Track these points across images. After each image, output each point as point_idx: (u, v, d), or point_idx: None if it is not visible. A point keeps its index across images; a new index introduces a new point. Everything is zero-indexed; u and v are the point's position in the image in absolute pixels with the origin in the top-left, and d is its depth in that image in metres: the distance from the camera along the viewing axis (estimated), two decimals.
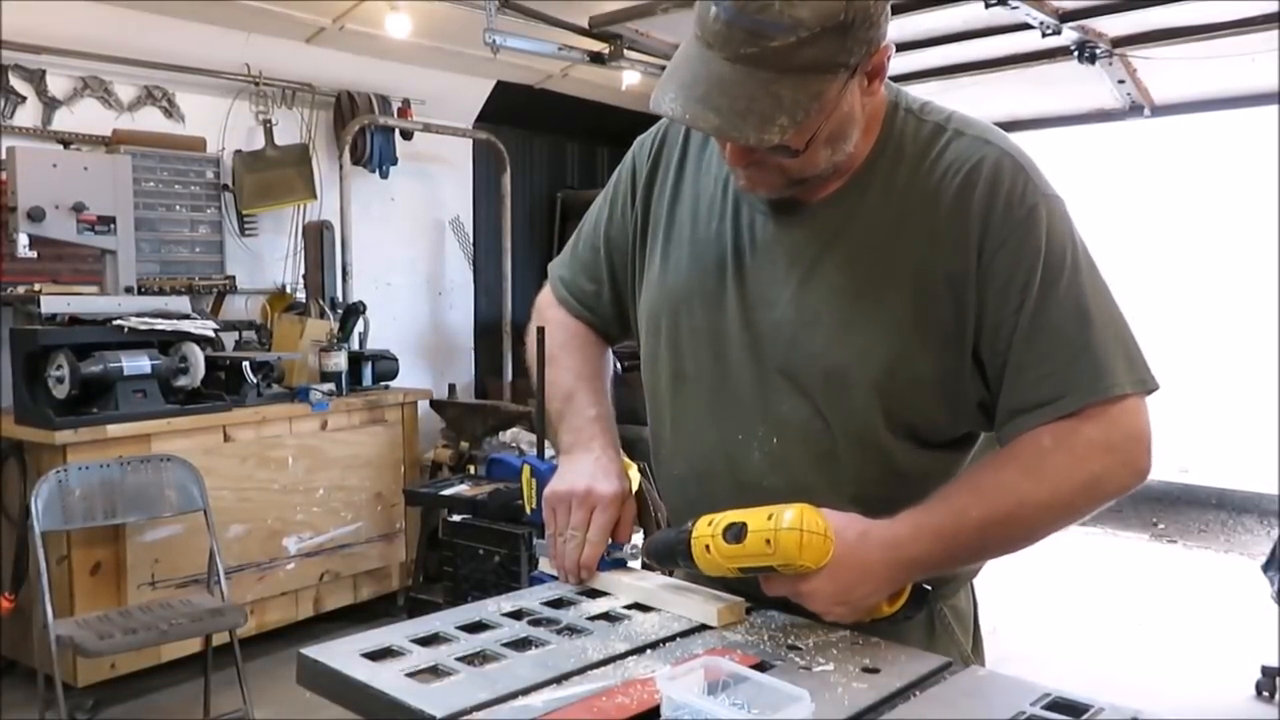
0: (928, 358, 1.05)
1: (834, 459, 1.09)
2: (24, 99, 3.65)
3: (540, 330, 1.26)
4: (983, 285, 1.03)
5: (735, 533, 0.98)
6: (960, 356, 1.05)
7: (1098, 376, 1.01)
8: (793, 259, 1.10)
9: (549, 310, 1.35)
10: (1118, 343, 1.03)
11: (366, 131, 4.50)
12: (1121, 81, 4.34)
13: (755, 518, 0.97)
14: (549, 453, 1.29)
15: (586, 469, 1.17)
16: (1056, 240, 1.03)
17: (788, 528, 0.95)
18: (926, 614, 1.15)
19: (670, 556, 1.04)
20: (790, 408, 1.10)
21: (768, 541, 0.96)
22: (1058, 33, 3.82)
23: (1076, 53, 4.04)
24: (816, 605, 1.00)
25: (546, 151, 5.79)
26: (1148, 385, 1.04)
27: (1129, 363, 1.03)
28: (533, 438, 4.71)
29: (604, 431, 1.23)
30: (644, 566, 1.12)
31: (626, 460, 1.22)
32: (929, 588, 1.03)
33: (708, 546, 1.00)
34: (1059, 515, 1.02)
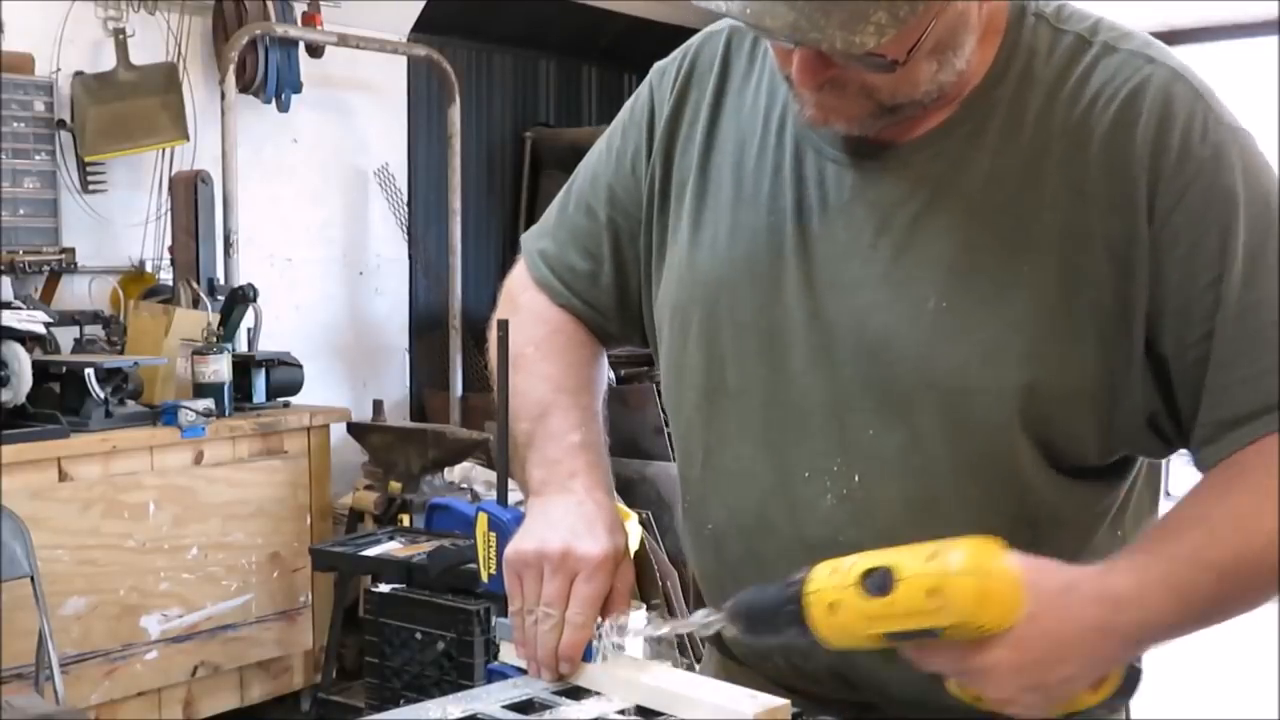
0: (1080, 357, 1.05)
1: (940, 503, 1.08)
2: None
3: (504, 324, 1.23)
4: (1159, 254, 1.03)
5: (878, 582, 0.93)
6: (1126, 355, 1.05)
7: None
8: (881, 223, 1.10)
9: (522, 295, 1.36)
10: None
11: (258, 46, 4.51)
12: None
13: (906, 559, 0.94)
14: (517, 495, 1.29)
15: (564, 519, 1.17)
16: (1257, 187, 1.03)
17: (962, 571, 0.91)
18: None
19: (770, 623, 1.00)
20: (878, 433, 1.10)
21: (931, 593, 0.91)
22: None
23: None
24: (995, 688, 0.97)
25: (511, 74, 5.81)
26: None
27: None
28: (491, 476, 4.73)
29: (590, 466, 1.23)
30: (647, 655, 1.13)
31: (622, 508, 1.23)
32: (1141, 668, 1.01)
33: (833, 605, 0.95)
34: None
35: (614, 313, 1.32)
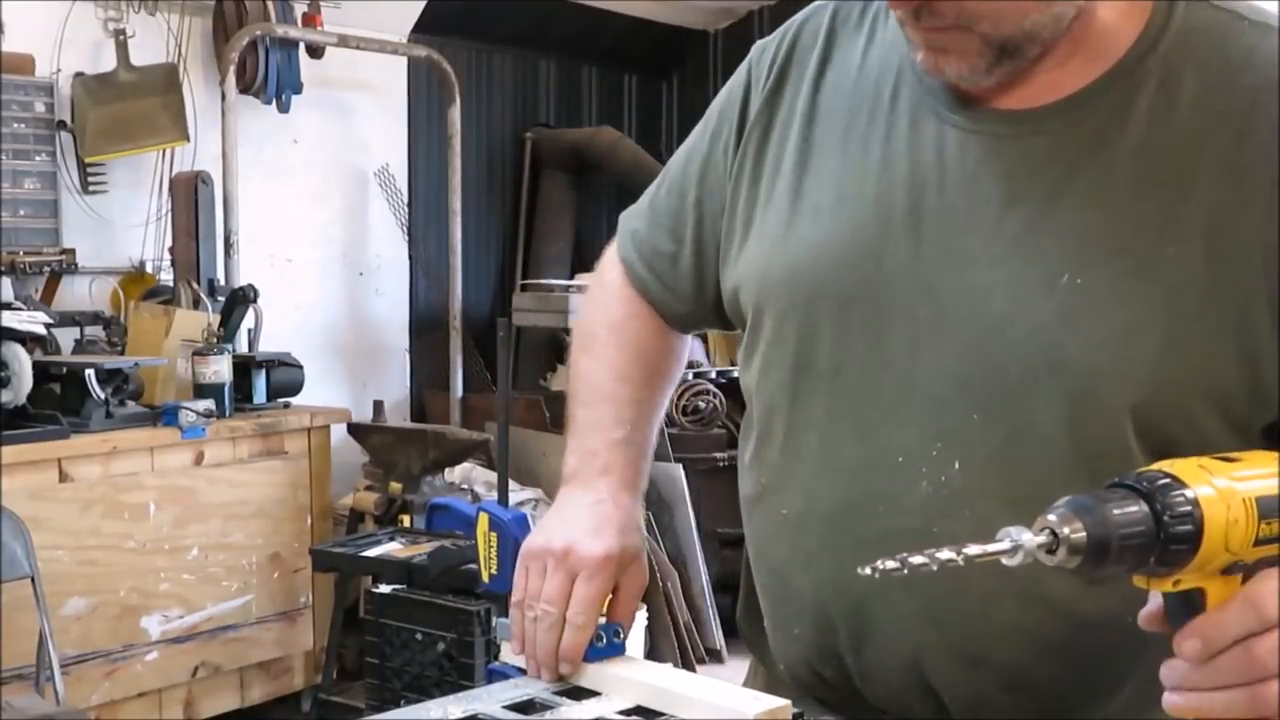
0: (1217, 351, 0.98)
1: (1045, 498, 1.03)
2: None
3: (504, 323, 1.25)
4: None
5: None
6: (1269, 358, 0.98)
7: None
8: (1012, 193, 1.03)
9: (609, 273, 1.34)
10: None
11: (258, 46, 4.51)
12: None
13: None
14: (518, 496, 1.29)
15: (577, 516, 1.17)
16: None
17: None
18: None
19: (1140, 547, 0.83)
20: (985, 419, 1.03)
21: None
22: None
23: None
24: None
25: (511, 74, 5.81)
26: None
27: None
28: (491, 476, 4.73)
29: (626, 463, 1.23)
30: (647, 655, 1.12)
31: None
32: None
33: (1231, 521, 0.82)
34: None
35: (690, 296, 1.28)
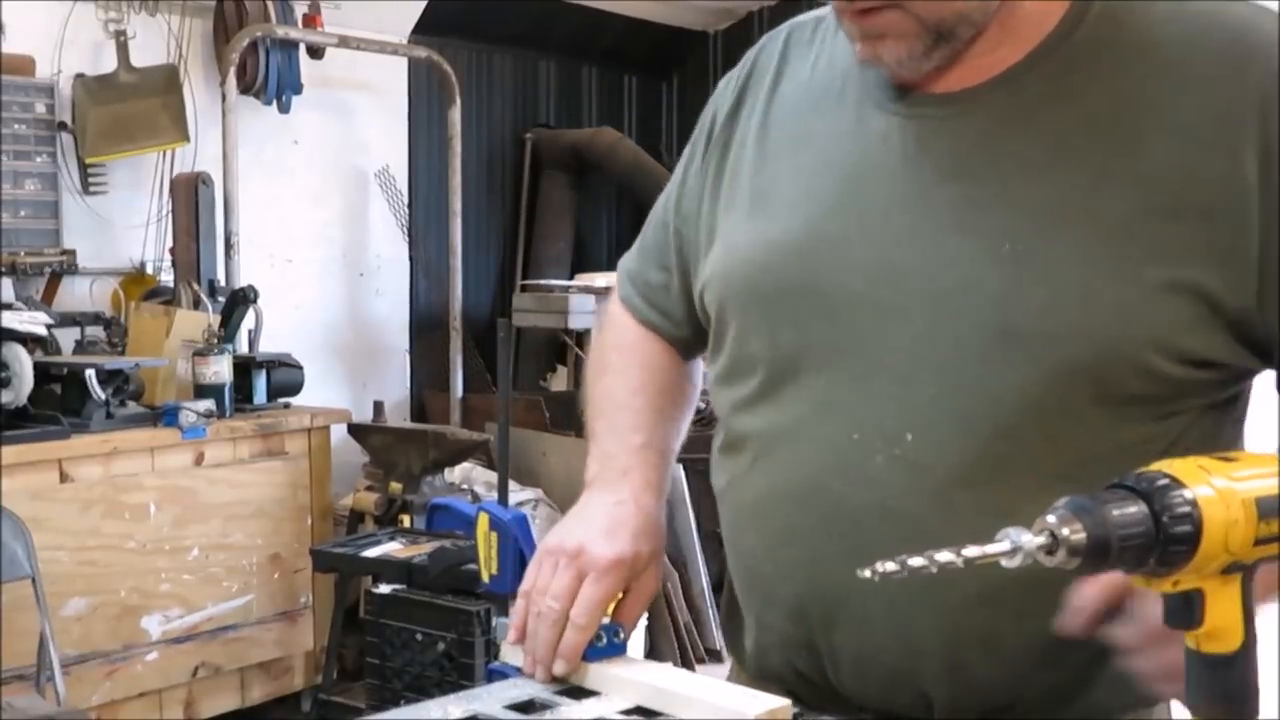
0: (1164, 305, 1.00)
1: (1002, 461, 1.04)
2: None
3: (504, 324, 1.27)
4: (1267, 202, 0.98)
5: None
6: (1220, 297, 1.00)
7: None
8: (952, 169, 1.07)
9: (614, 314, 1.40)
10: None
11: (258, 47, 4.51)
12: None
13: None
14: (518, 496, 1.30)
15: (594, 517, 1.18)
16: None
17: None
18: None
19: (1138, 548, 0.83)
20: (942, 389, 1.05)
21: None
22: None
23: None
24: None
25: (511, 75, 5.81)
26: None
27: None
28: (491, 476, 4.73)
29: (646, 466, 1.24)
30: (647, 655, 1.12)
31: None
32: None
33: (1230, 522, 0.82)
34: None
35: (685, 319, 1.32)
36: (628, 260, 1.40)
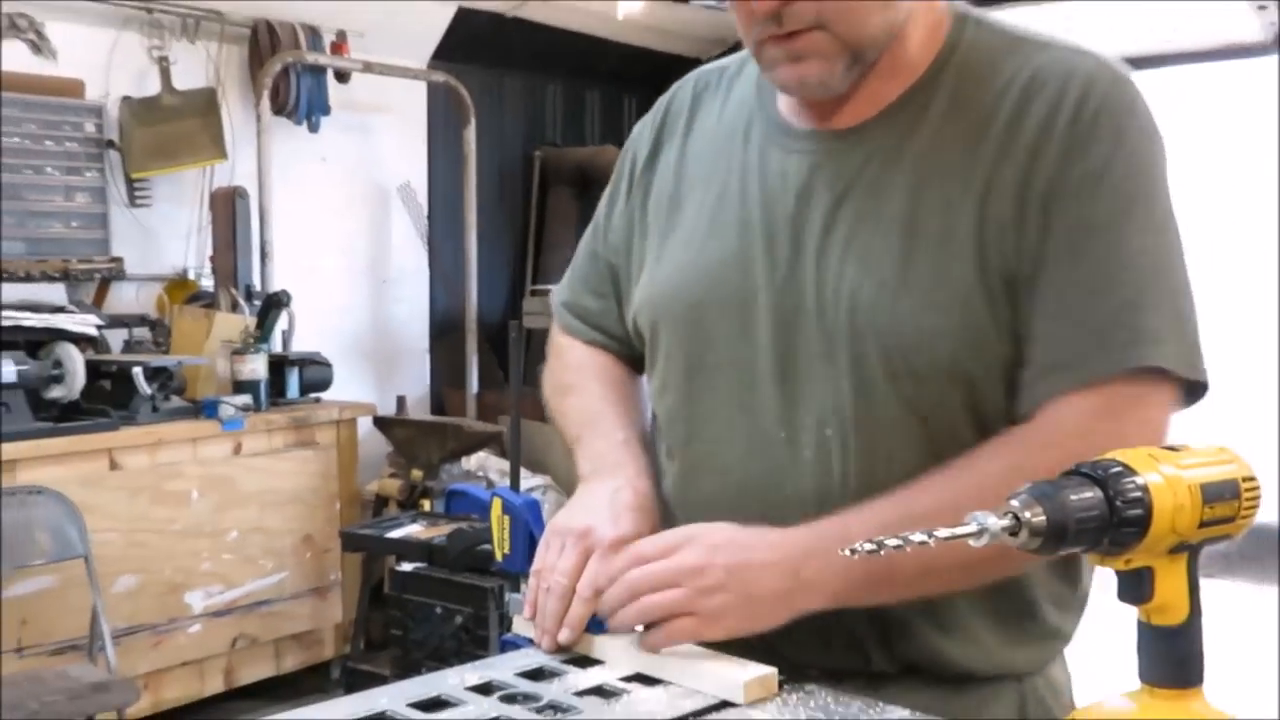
0: (998, 310, 1.07)
1: (894, 454, 1.10)
2: None
3: (515, 325, 1.28)
4: (1050, 216, 1.06)
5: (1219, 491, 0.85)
6: (1017, 309, 1.07)
7: (1135, 342, 1.03)
8: (840, 195, 1.13)
9: (559, 342, 1.41)
10: (1175, 317, 1.05)
11: (290, 72, 4.52)
12: (1263, 8, 4.35)
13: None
14: (528, 482, 1.30)
15: (598, 502, 1.19)
16: (1138, 171, 1.07)
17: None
18: (1015, 691, 1.16)
19: (1093, 530, 0.84)
20: (844, 389, 1.11)
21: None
22: None
23: None
24: None
25: (521, 98, 5.81)
26: (1196, 374, 1.05)
27: (1180, 342, 1.05)
28: (504, 465, 4.74)
29: (635, 458, 1.25)
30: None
31: None
32: None
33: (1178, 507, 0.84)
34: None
35: (624, 338, 1.34)
36: (561, 294, 1.42)
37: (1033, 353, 1.07)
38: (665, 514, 1.22)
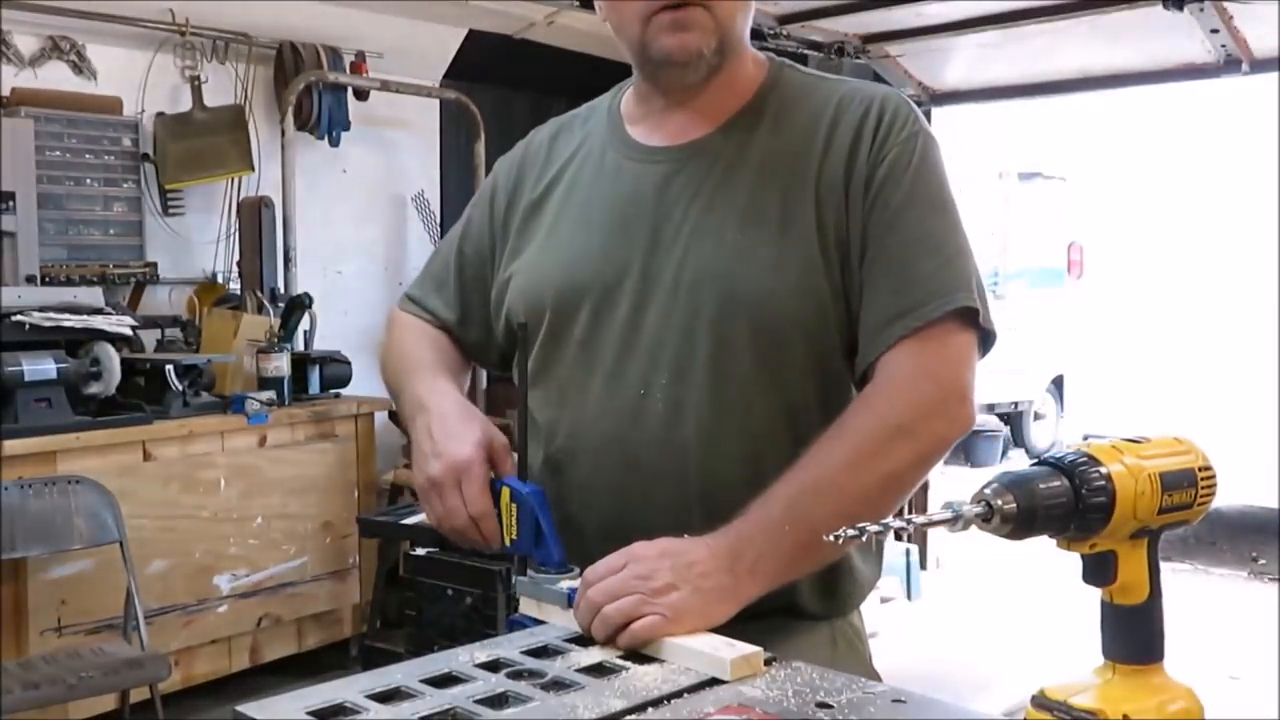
0: (830, 272, 1.21)
1: (740, 399, 1.21)
2: None
3: (523, 327, 1.32)
4: (865, 199, 1.22)
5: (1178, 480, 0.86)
6: (849, 274, 1.21)
7: (947, 292, 1.18)
8: (692, 192, 1.26)
9: (401, 318, 1.49)
10: (970, 275, 1.21)
11: (313, 90, 4.51)
12: (1215, 31, 4.34)
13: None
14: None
15: (430, 442, 1.25)
16: (928, 164, 1.24)
17: None
18: (827, 630, 1.26)
19: (1059, 517, 0.85)
20: (695, 348, 1.22)
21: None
22: None
23: None
24: None
25: (528, 114, 5.79)
26: (989, 324, 1.20)
27: (979, 295, 1.20)
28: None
29: (448, 384, 1.34)
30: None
31: None
32: None
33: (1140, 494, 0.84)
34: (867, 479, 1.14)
35: (456, 323, 1.44)
36: (410, 291, 1.51)
37: (867, 314, 1.21)
38: (545, 485, 1.25)
